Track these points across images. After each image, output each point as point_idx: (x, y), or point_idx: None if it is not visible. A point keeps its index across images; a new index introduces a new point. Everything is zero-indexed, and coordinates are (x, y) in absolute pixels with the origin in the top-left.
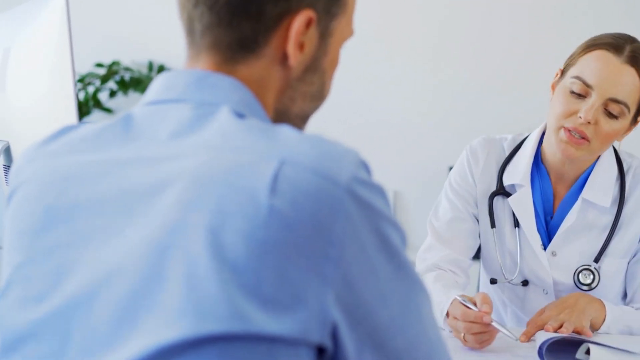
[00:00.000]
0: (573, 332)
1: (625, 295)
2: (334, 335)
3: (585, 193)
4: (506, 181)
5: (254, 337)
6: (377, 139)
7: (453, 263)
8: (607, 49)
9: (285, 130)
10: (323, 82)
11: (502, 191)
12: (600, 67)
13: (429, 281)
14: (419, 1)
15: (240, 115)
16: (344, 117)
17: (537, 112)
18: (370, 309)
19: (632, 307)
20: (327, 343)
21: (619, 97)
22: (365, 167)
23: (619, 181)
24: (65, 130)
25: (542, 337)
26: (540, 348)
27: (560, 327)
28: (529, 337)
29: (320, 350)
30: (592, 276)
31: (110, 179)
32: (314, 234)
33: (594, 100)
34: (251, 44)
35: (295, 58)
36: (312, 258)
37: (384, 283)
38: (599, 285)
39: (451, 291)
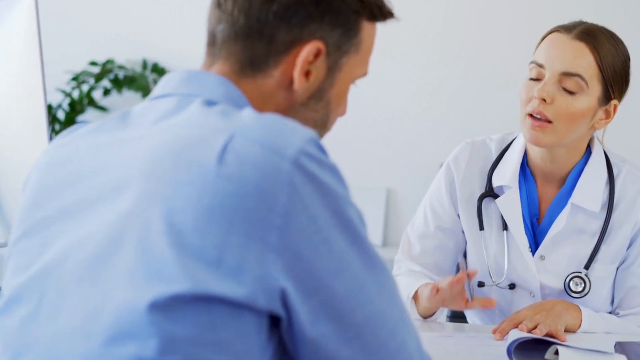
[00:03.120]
0: (547, 334)
1: (613, 300)
2: (286, 304)
3: (575, 198)
4: (495, 182)
5: (199, 297)
6: (371, 136)
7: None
8: (558, 31)
9: (246, 112)
10: (327, 112)
11: (490, 193)
12: (550, 46)
13: (401, 280)
14: None
15: (211, 104)
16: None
17: None
18: (323, 280)
19: (619, 313)
20: (279, 311)
21: (571, 69)
22: (318, 145)
23: (608, 186)
24: (77, 127)
25: (514, 335)
26: (509, 346)
27: (535, 327)
28: (503, 334)
29: (275, 320)
30: (583, 284)
31: (94, 158)
32: (258, 202)
33: (547, 78)
34: (261, 64)
35: (300, 84)
36: (256, 225)
37: (338, 255)
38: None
39: (421, 279)
